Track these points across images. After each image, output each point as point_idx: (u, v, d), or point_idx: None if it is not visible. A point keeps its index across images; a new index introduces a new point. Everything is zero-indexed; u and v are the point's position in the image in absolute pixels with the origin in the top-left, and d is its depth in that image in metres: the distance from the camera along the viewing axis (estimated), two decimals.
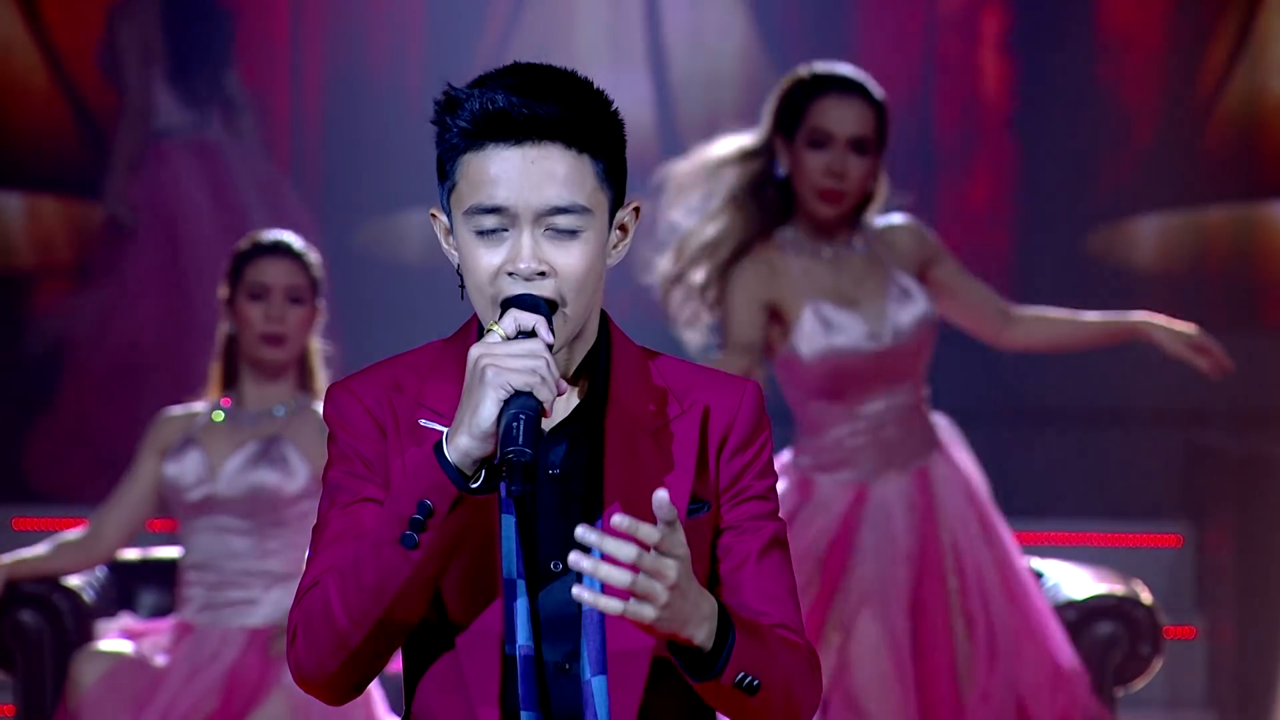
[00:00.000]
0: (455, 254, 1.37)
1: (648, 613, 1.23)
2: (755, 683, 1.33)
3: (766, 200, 3.71)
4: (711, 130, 5.03)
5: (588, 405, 1.38)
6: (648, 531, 1.22)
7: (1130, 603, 3.95)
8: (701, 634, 1.29)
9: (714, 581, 1.44)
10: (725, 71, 6.91)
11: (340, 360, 4.04)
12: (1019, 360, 6.02)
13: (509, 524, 1.32)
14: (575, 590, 1.24)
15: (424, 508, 1.18)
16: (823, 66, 3.75)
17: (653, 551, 1.23)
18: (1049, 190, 6.51)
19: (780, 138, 3.65)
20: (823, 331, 3.67)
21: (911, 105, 6.51)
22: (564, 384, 1.25)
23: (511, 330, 1.23)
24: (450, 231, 1.38)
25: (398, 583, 1.21)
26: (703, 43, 7.00)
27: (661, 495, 1.25)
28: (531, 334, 1.23)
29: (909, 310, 3.73)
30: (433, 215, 1.42)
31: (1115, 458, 5.96)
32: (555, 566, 1.33)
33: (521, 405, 1.18)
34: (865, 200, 3.73)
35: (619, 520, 1.26)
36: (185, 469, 3.82)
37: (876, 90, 3.71)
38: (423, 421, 1.32)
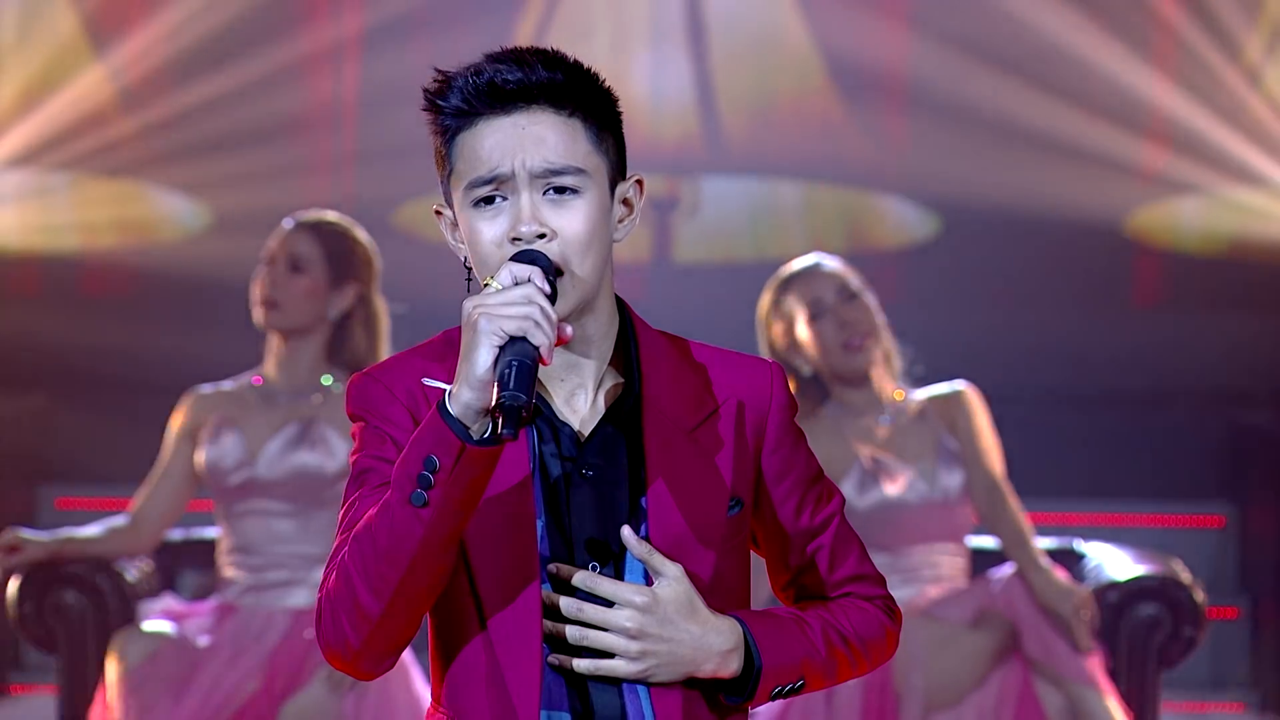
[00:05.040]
0: (462, 247, 1.37)
1: (620, 668, 1.27)
2: (798, 684, 1.34)
3: None
4: (753, 110, 4.96)
5: (622, 403, 1.38)
6: (608, 588, 1.27)
7: (1172, 584, 3.92)
8: (723, 668, 1.31)
9: (781, 562, 1.45)
10: (766, 51, 6.89)
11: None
12: (1062, 343, 6.02)
13: (540, 527, 1.32)
14: (551, 658, 1.29)
15: (430, 463, 1.18)
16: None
17: (622, 607, 1.26)
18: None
19: None
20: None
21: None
22: (567, 329, 1.24)
23: (507, 281, 1.22)
24: (455, 225, 1.38)
25: (412, 544, 1.21)
26: (743, 22, 6.98)
27: (627, 532, 1.27)
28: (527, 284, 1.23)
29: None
30: (437, 212, 1.42)
31: (1158, 439, 5.92)
32: (593, 569, 1.33)
33: (516, 351, 1.17)
34: None
35: (627, 535, 1.28)
36: (224, 453, 3.82)
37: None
38: (426, 380, 1.32)
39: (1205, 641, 4.00)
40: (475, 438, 1.18)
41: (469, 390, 1.18)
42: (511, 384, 1.15)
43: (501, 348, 1.17)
